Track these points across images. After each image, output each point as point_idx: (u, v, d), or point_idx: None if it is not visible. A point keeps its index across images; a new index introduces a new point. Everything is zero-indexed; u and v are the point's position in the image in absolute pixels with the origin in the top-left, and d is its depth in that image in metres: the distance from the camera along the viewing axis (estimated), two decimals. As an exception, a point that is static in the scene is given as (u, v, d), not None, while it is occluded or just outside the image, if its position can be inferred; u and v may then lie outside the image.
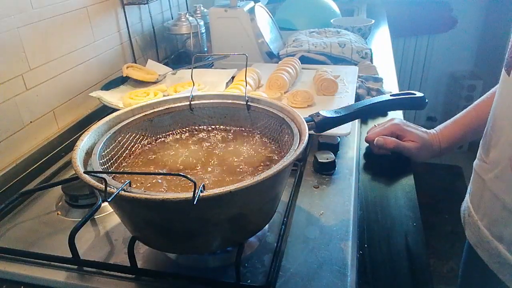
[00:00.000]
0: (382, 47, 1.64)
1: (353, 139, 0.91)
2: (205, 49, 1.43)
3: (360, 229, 0.68)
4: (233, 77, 1.15)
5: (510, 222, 0.63)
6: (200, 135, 0.72)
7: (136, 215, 0.52)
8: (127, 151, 0.64)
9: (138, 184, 0.57)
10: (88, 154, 0.56)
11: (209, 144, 0.69)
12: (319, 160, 0.80)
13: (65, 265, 0.61)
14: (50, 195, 0.79)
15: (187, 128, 0.73)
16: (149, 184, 0.57)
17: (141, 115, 0.67)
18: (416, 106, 0.70)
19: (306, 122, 0.64)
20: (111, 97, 1.01)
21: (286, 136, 0.65)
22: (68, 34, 1.00)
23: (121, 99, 1.01)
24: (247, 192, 0.47)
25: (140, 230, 0.56)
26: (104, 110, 1.03)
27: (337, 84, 1.01)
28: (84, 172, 0.48)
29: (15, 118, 0.86)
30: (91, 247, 0.66)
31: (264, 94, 0.94)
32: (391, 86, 1.23)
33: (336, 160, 0.81)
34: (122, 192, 0.45)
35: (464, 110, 0.84)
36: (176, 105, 0.71)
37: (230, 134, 0.72)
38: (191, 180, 0.43)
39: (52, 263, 0.61)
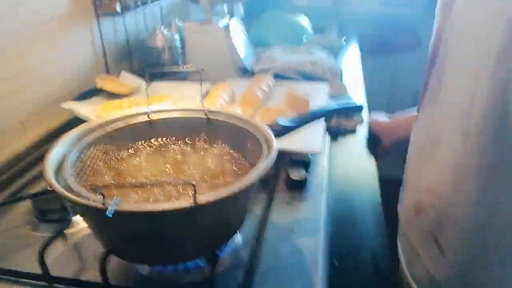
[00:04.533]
0: (351, 64, 1.70)
1: (323, 157, 0.94)
2: (180, 62, 1.44)
3: (330, 245, 0.70)
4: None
5: (418, 261, 0.67)
6: (162, 148, 0.73)
7: (119, 228, 0.52)
8: (90, 169, 0.64)
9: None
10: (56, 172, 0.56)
11: (172, 157, 0.70)
12: (291, 177, 0.82)
13: (34, 281, 0.60)
14: (18, 209, 0.77)
15: (147, 142, 0.73)
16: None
17: (100, 132, 0.68)
18: (355, 110, 0.82)
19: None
20: (83, 109, 1.00)
21: (249, 144, 0.68)
22: (40, 45, 0.99)
23: (93, 111, 1.00)
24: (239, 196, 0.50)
25: (117, 243, 0.55)
26: (77, 121, 1.02)
27: (308, 101, 1.04)
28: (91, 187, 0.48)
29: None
30: (61, 262, 0.65)
31: (238, 110, 0.96)
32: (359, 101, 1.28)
33: (307, 178, 0.84)
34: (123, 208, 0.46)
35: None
36: (135, 121, 0.72)
37: (192, 145, 0.73)
38: (191, 184, 0.45)
39: (22, 279, 0.60)
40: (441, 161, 0.61)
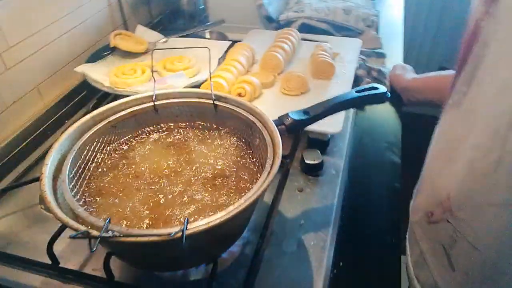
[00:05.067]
0: (392, 5, 1.52)
1: (343, 136, 0.87)
2: (202, 6, 1.34)
3: (338, 242, 0.67)
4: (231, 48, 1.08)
5: (425, 267, 0.64)
6: (168, 136, 0.70)
7: (112, 247, 0.52)
8: (94, 164, 0.63)
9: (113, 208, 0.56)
10: (55, 178, 0.55)
11: (178, 146, 0.68)
12: (306, 161, 0.78)
13: (44, 271, 0.62)
14: (34, 186, 0.79)
15: (152, 130, 0.71)
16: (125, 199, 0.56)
17: (103, 123, 0.64)
18: (378, 101, 0.71)
19: (277, 125, 0.62)
20: (96, 73, 0.96)
21: (258, 140, 0.63)
22: (48, 3, 0.93)
23: (107, 75, 0.96)
24: (227, 223, 0.47)
25: (116, 253, 0.56)
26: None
27: (334, 67, 0.95)
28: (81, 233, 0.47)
29: (-4, 100, 0.83)
30: (70, 250, 0.66)
31: (255, 80, 0.89)
32: (395, 56, 1.16)
33: (323, 160, 0.79)
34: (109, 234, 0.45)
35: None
36: (139, 107, 0.68)
37: (199, 134, 0.70)
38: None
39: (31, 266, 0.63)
40: (461, 173, 0.54)
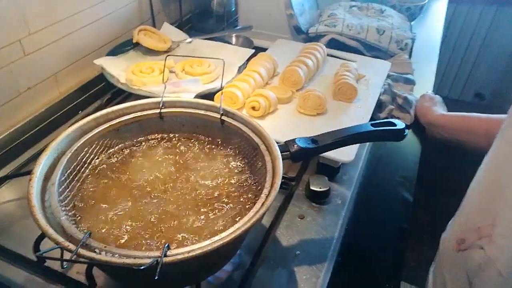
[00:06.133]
0: (431, 27, 1.46)
1: (356, 165, 0.83)
2: (233, 9, 1.32)
3: (331, 281, 0.64)
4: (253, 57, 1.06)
5: None
6: (170, 146, 0.68)
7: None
8: (90, 167, 0.61)
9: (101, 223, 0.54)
10: (46, 179, 0.54)
11: (178, 158, 0.66)
12: (311, 187, 0.74)
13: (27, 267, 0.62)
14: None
15: (156, 137, 0.69)
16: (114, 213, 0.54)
17: (105, 126, 0.63)
18: (394, 138, 0.66)
19: (281, 152, 0.58)
20: (115, 68, 0.95)
21: (259, 163, 0.61)
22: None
23: (124, 71, 0.95)
24: (211, 253, 0.45)
25: (96, 265, 0.54)
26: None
27: (356, 90, 0.91)
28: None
29: (10, 85, 0.83)
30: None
31: (272, 94, 0.86)
32: (425, 85, 1.11)
33: (330, 188, 0.75)
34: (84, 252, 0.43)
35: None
36: (145, 112, 0.66)
37: (201, 148, 0.68)
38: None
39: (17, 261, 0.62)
40: (505, 208, 0.54)
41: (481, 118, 0.85)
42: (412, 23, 1.34)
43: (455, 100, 2.78)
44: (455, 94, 2.79)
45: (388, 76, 1.05)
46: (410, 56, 1.18)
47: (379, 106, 0.98)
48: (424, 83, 1.12)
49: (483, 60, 2.55)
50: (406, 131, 0.64)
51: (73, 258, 0.42)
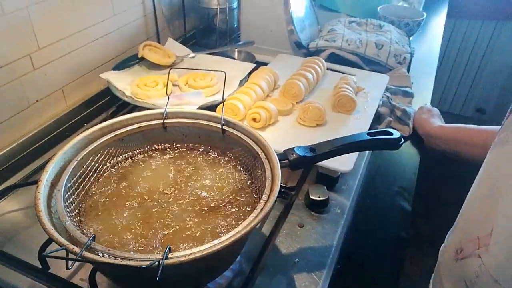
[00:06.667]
0: (429, 42, 1.49)
1: (355, 175, 0.85)
2: (236, 25, 1.35)
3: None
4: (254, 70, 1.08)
5: None
6: (173, 155, 0.70)
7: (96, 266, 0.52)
8: (95, 175, 0.63)
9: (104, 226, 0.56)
10: (53, 186, 0.56)
11: (181, 167, 0.68)
12: (311, 197, 0.76)
13: (32, 275, 0.63)
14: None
15: (159, 147, 0.71)
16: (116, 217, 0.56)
17: (111, 135, 0.65)
18: (391, 147, 0.68)
19: (280, 160, 0.60)
20: (120, 81, 0.98)
21: (259, 171, 0.62)
22: (84, 10, 0.96)
23: (129, 85, 0.98)
24: (211, 256, 0.46)
25: (99, 270, 0.56)
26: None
27: (355, 102, 0.93)
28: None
29: (20, 98, 0.86)
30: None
31: (273, 106, 0.89)
32: (423, 97, 1.13)
33: (329, 197, 0.77)
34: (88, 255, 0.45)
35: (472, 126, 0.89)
36: (148, 123, 0.68)
37: (203, 157, 0.70)
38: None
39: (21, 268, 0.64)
40: (503, 217, 0.54)
41: (478, 130, 0.87)
42: (411, 38, 1.37)
43: (456, 114, 2.80)
44: (455, 109, 2.81)
45: (387, 89, 1.08)
46: (408, 70, 1.20)
47: (378, 118, 1.00)
48: (422, 96, 1.15)
49: (484, 75, 2.58)
50: (402, 140, 0.66)
51: (78, 259, 0.44)
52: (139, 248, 0.53)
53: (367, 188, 0.84)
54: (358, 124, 0.91)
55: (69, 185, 0.57)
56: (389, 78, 1.09)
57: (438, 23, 1.67)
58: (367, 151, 0.92)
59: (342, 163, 0.78)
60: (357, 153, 0.81)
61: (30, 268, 0.63)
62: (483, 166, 0.63)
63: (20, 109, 0.87)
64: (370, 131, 0.66)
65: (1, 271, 0.64)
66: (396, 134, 0.66)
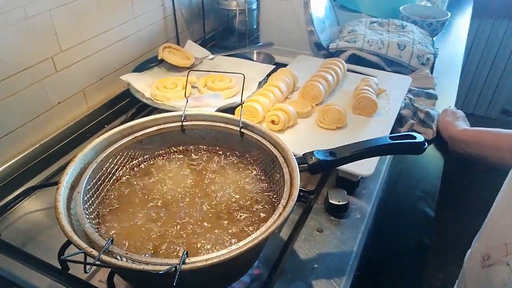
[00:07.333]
0: (454, 43, 1.45)
1: (376, 179, 0.83)
2: (254, 26, 1.35)
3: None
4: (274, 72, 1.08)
5: None
6: (191, 158, 0.70)
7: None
8: (114, 177, 0.63)
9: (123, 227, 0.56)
10: (73, 188, 0.56)
11: (199, 169, 0.67)
12: (330, 201, 0.74)
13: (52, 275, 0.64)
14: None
15: (177, 149, 0.71)
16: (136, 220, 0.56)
17: (130, 137, 0.65)
18: (414, 151, 0.66)
19: (299, 164, 0.59)
20: (140, 83, 0.99)
21: (278, 175, 0.61)
22: (105, 12, 0.97)
23: (149, 87, 0.98)
24: (228, 262, 0.46)
25: (117, 272, 0.56)
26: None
27: (376, 104, 0.91)
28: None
29: (42, 99, 0.88)
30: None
31: (291, 109, 0.87)
32: (448, 100, 1.10)
33: (349, 202, 0.75)
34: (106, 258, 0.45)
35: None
36: (167, 125, 0.68)
37: (222, 160, 0.69)
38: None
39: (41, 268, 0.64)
40: None
41: (504, 134, 0.84)
42: (434, 38, 1.34)
43: (481, 117, 2.73)
44: (480, 111, 2.74)
45: (409, 91, 1.05)
46: (432, 71, 1.17)
47: (400, 120, 0.97)
48: (447, 98, 1.11)
49: (510, 76, 2.50)
50: (426, 144, 0.64)
51: (96, 264, 0.44)
52: (157, 251, 0.53)
53: (389, 192, 0.82)
54: (379, 127, 0.89)
55: (89, 187, 0.58)
56: (411, 79, 1.07)
57: (462, 23, 1.63)
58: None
59: (362, 166, 0.76)
60: (379, 156, 0.79)
61: (50, 268, 0.64)
62: (511, 170, 0.61)
63: (42, 110, 0.88)
64: (392, 135, 0.64)
65: (21, 271, 0.64)
66: (419, 138, 0.64)
